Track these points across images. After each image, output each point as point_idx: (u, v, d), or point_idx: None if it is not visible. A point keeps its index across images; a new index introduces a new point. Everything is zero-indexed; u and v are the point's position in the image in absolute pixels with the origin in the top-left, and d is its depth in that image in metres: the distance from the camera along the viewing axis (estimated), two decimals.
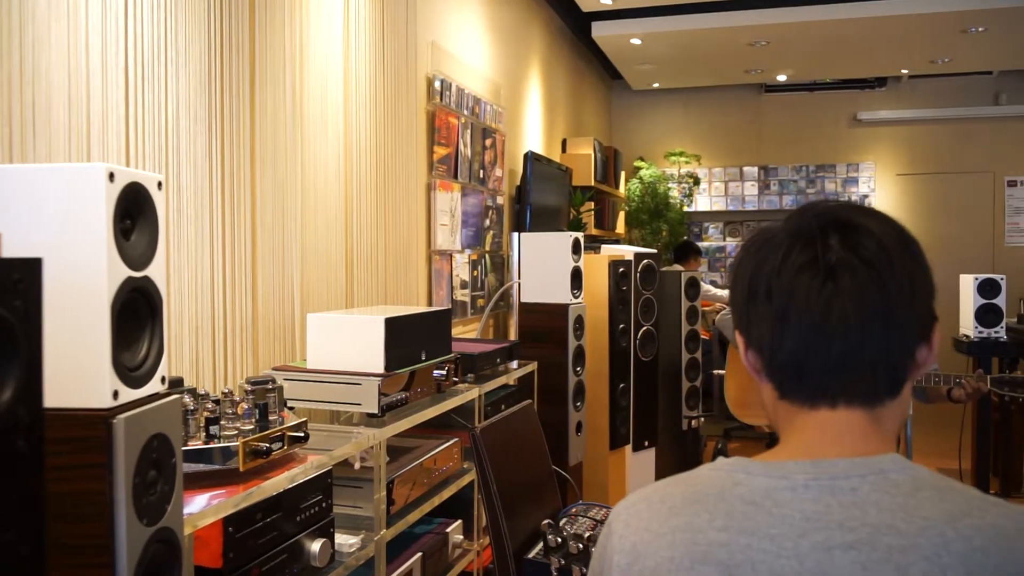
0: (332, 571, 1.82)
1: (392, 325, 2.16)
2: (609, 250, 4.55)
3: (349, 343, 2.16)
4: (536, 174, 4.64)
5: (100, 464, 1.06)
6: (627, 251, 4.42)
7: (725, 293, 6.15)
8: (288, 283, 2.49)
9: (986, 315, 4.42)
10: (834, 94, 7.97)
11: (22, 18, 1.60)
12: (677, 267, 5.97)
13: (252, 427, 1.63)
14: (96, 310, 1.08)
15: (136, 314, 1.16)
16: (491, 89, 4.45)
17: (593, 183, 6.06)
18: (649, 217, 7.36)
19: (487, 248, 4.30)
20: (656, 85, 7.93)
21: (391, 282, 3.19)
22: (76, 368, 1.07)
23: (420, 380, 2.33)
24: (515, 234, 4.06)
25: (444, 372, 2.43)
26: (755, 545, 0.78)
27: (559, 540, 1.74)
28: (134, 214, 1.16)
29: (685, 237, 7.37)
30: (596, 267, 4.16)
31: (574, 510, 1.98)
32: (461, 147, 3.89)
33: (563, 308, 3.79)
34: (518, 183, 4.77)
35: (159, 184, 1.21)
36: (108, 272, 1.08)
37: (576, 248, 3.92)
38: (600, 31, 6.17)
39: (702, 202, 8.18)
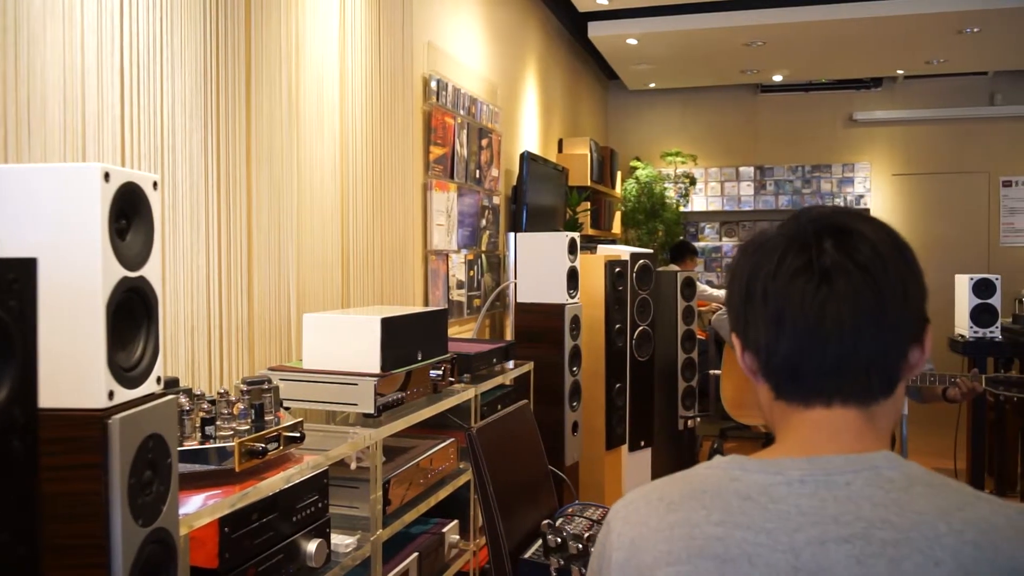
0: (328, 571, 1.82)
1: (388, 325, 2.16)
2: (605, 250, 4.55)
3: (345, 343, 2.16)
4: (532, 174, 4.65)
5: (95, 464, 1.06)
6: (623, 251, 4.43)
7: (721, 293, 6.16)
8: (284, 283, 2.49)
9: (981, 315, 4.44)
10: (830, 94, 7.98)
11: (17, 16, 1.60)
12: (673, 267, 5.98)
13: (248, 427, 1.63)
14: (91, 310, 1.07)
15: (131, 314, 1.15)
16: (487, 89, 4.45)
17: (589, 183, 6.07)
18: (645, 217, 7.37)
19: (483, 248, 4.30)
20: (652, 85, 7.94)
21: (387, 282, 3.19)
22: (71, 368, 1.07)
23: (416, 380, 2.33)
24: (511, 234, 4.06)
25: (440, 372, 2.43)
26: (751, 539, 0.79)
27: (559, 540, 1.74)
28: (129, 214, 1.15)
29: (681, 237, 7.37)
30: (592, 267, 4.16)
31: (570, 510, 1.98)
32: (457, 147, 3.89)
33: (559, 308, 3.79)
34: (514, 183, 4.77)
35: (155, 184, 1.21)
36: (103, 272, 1.08)
37: (572, 248, 3.92)
38: (596, 31, 6.17)
39: (698, 202, 8.18)
